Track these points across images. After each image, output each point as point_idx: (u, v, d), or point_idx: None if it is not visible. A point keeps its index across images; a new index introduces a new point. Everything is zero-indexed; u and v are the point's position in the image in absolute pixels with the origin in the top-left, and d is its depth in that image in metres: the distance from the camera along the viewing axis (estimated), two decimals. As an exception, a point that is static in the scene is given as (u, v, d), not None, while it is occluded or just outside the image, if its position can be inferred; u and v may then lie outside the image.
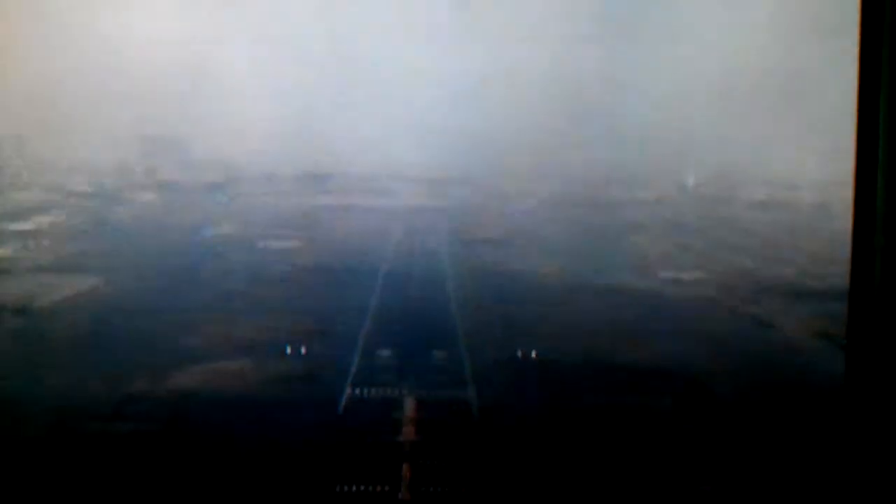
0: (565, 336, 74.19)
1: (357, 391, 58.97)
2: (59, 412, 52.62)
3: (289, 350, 68.12)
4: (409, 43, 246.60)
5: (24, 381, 57.77)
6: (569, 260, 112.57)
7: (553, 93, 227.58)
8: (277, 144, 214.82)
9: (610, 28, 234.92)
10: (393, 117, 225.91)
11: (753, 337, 76.68)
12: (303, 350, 68.17)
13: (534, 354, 68.16)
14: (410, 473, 45.47)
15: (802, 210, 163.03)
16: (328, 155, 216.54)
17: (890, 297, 10.70)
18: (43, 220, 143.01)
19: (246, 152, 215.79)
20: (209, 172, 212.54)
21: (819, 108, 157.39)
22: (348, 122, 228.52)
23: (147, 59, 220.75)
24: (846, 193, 11.92)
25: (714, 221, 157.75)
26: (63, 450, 46.89)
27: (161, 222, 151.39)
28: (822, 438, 46.02)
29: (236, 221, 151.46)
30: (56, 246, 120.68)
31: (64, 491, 41.84)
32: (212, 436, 49.94)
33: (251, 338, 72.07)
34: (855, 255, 10.94)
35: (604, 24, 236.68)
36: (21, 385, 57.16)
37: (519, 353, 68.31)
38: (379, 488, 43.56)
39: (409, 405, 56.13)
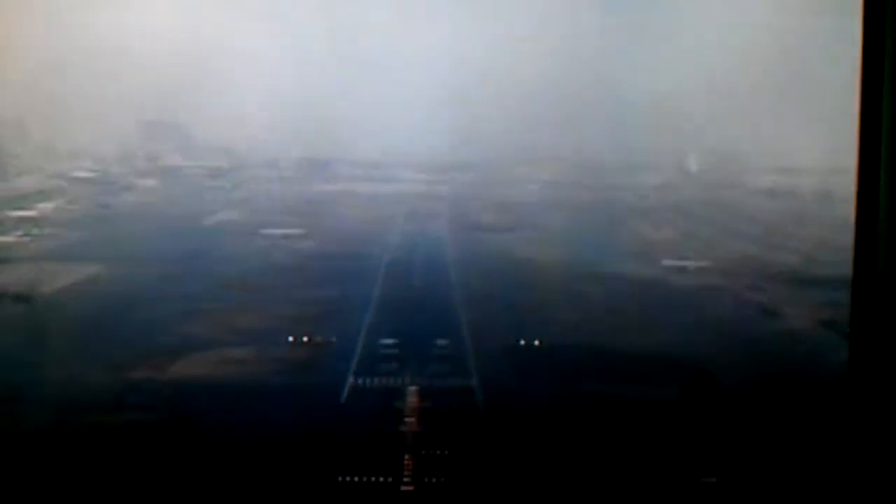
0: (569, 324, 73.88)
1: (360, 380, 58.66)
2: (61, 401, 52.35)
3: (291, 338, 67.83)
4: (411, 28, 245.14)
5: (27, 369, 57.43)
6: (572, 247, 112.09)
7: (556, 77, 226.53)
8: (280, 131, 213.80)
9: (613, 14, 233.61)
10: (395, 103, 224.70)
11: (759, 325, 76.33)
12: (305, 338, 67.87)
13: (538, 343, 67.86)
14: (413, 464, 45.18)
15: (807, 197, 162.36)
16: (331, 141, 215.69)
17: (893, 284, 10.67)
18: (45, 207, 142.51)
19: (248, 138, 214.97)
20: (211, 159, 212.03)
21: (825, 94, 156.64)
22: (351, 108, 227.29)
23: (149, 44, 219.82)
24: (851, 180, 11.69)
25: (718, 208, 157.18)
26: (64, 439, 46.61)
27: (163, 209, 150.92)
28: (827, 426, 45.64)
29: (239, 208, 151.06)
30: (58, 233, 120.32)
31: (66, 481, 41.54)
32: (213, 425, 49.66)
33: (253, 326, 71.82)
34: (858, 243, 11.00)
35: (606, 9, 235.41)
36: (23, 373, 56.83)
37: (523, 342, 68.00)
38: (381, 479, 43.27)
39: (413, 394, 55.83)
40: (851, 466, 11.22)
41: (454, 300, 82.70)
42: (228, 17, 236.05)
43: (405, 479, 43.41)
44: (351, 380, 58.60)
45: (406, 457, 45.87)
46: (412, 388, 56.77)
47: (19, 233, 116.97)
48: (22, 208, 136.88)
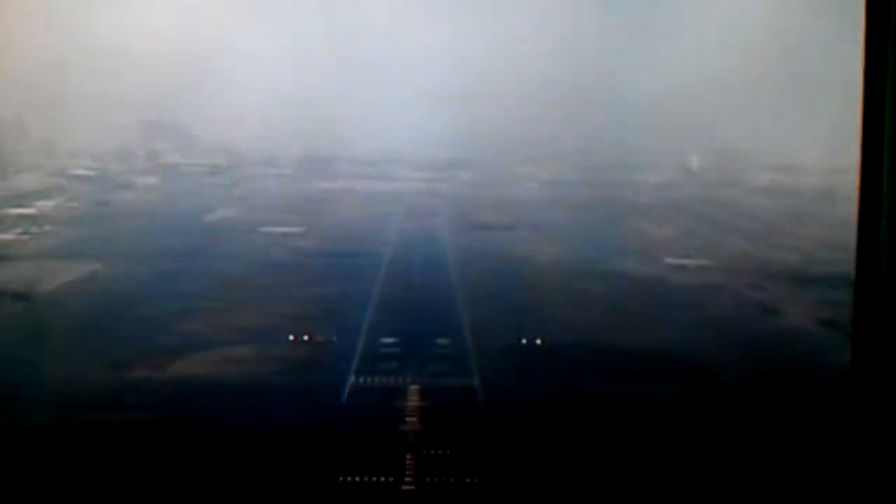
0: (571, 323, 73.83)
1: (361, 379, 58.55)
2: (60, 399, 52.20)
3: (291, 337, 67.72)
4: (411, 28, 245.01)
5: (26, 367, 57.27)
6: (573, 245, 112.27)
7: (556, 76, 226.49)
8: (280, 129, 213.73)
9: (613, 14, 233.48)
10: (395, 102, 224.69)
11: (759, 323, 76.26)
12: (306, 337, 67.76)
13: (539, 341, 67.78)
14: (415, 463, 45.07)
15: (807, 196, 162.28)
16: (331, 140, 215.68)
17: (895, 283, 10.63)
18: (45, 205, 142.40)
19: (248, 137, 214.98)
20: (211, 157, 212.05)
21: (826, 93, 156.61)
22: (351, 107, 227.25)
23: (149, 43, 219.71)
24: (852, 179, 11.65)
25: (719, 207, 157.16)
26: (64, 438, 46.47)
27: (163, 207, 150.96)
28: (829, 425, 45.54)
29: (238, 206, 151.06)
30: (58, 230, 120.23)
31: (65, 480, 41.41)
32: (213, 424, 49.50)
33: (253, 324, 71.73)
34: (860, 242, 10.95)
35: (606, 9, 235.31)
36: (22, 372, 56.69)
37: (524, 341, 67.92)
38: (383, 478, 43.15)
39: (414, 394, 55.70)
40: (853, 465, 11.18)
41: (455, 299, 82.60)
42: (228, 16, 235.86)
43: (406, 479, 43.28)
44: (352, 379, 58.49)
45: (407, 456, 45.75)
46: (413, 388, 56.61)
47: (18, 230, 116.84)
48: (21, 206, 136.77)
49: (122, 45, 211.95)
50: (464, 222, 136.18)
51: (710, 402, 54.49)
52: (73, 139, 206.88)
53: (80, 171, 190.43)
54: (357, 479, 42.86)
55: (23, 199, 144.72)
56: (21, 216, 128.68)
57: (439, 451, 46.42)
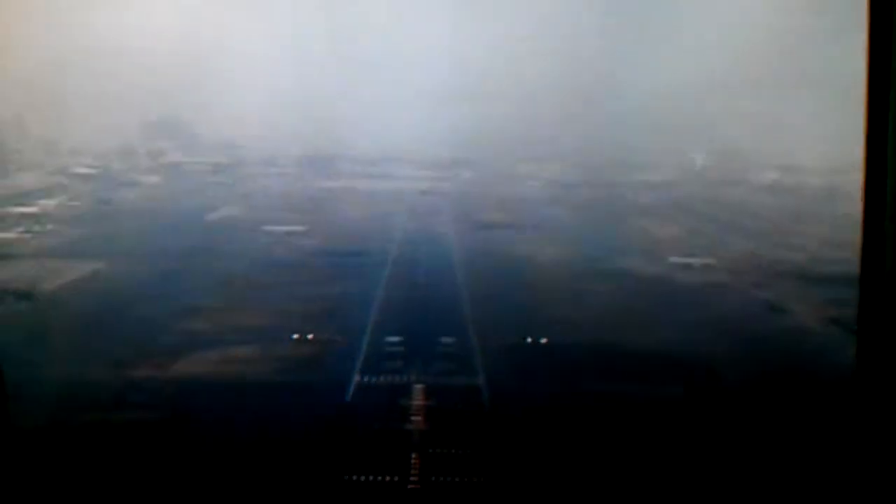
0: (575, 322, 73.66)
1: (365, 378, 58.33)
2: (62, 399, 52.02)
3: (295, 336, 67.54)
4: (412, 28, 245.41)
5: (28, 366, 57.00)
6: (576, 244, 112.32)
7: (558, 74, 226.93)
8: (282, 128, 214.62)
9: (613, 14, 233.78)
10: (397, 101, 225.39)
11: (765, 322, 76.06)
12: (310, 336, 67.56)
13: (544, 340, 67.59)
14: (419, 462, 44.84)
15: (812, 194, 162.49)
16: (333, 139, 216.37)
17: None
18: (47, 204, 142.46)
19: (249, 135, 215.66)
20: (213, 155, 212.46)
21: (830, 91, 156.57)
22: (353, 106, 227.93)
23: (151, 43, 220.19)
24: (857, 178, 11.48)
25: (723, 205, 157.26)
26: (65, 438, 46.26)
27: (166, 205, 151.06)
28: (835, 424, 45.33)
29: (241, 205, 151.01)
30: (60, 229, 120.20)
31: (67, 480, 41.17)
32: (217, 423, 49.32)
33: (256, 323, 71.56)
34: (865, 240, 10.95)
35: (607, 9, 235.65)
36: (24, 371, 56.40)
37: (529, 339, 67.74)
38: (388, 477, 42.92)
39: (419, 392, 55.46)
40: (859, 463, 11.07)
41: (459, 298, 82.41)
42: (230, 15, 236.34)
43: (412, 478, 43.04)
44: (356, 378, 58.25)
45: (412, 455, 45.52)
46: (418, 387, 56.38)
47: (21, 229, 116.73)
48: (23, 204, 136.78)
49: (124, 45, 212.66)
50: (467, 221, 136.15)
51: (716, 400, 54.37)
52: (74, 138, 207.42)
53: (83, 170, 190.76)
54: (362, 478, 42.63)
55: (25, 197, 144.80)
56: (23, 215, 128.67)
57: (444, 450, 46.19)
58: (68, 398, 52.39)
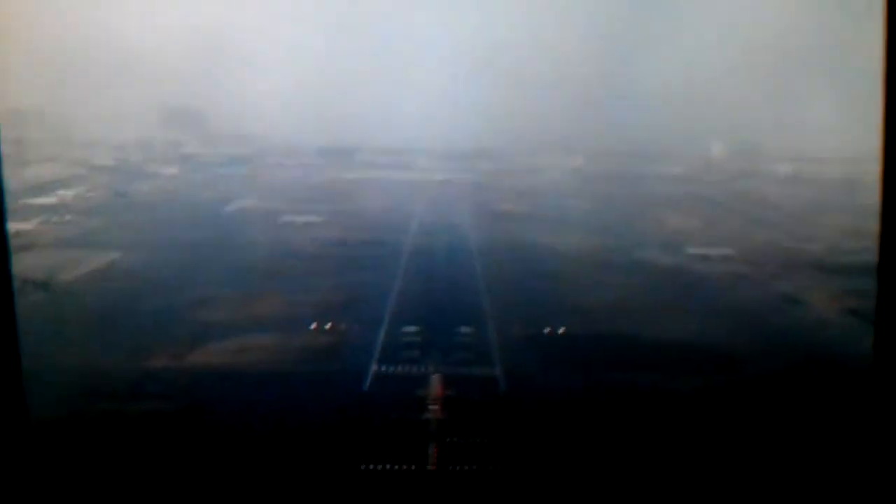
0: (593, 312, 73.53)
1: (383, 368, 58.37)
2: (80, 388, 52.24)
3: (314, 326, 67.60)
4: (436, 18, 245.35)
5: (46, 356, 57.20)
6: (595, 235, 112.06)
7: (578, 65, 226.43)
8: (300, 118, 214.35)
9: (637, 3, 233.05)
10: (416, 90, 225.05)
11: (783, 313, 75.75)
12: (328, 326, 67.63)
13: (561, 331, 67.49)
14: (437, 451, 44.86)
15: (830, 185, 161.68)
16: (350, 129, 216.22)
17: None
18: (66, 194, 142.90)
19: (268, 126, 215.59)
20: (232, 147, 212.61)
21: (849, 83, 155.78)
22: (370, 96, 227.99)
23: (169, 32, 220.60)
24: (875, 168, 11.43)
25: (741, 196, 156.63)
26: (84, 427, 46.47)
27: (184, 196, 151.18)
28: (853, 413, 45.23)
29: (259, 196, 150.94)
30: (79, 220, 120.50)
31: (84, 468, 41.37)
32: (235, 412, 49.47)
33: (274, 313, 71.67)
34: (883, 231, 10.86)
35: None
36: (42, 361, 56.66)
37: (546, 330, 67.63)
38: (405, 466, 42.96)
39: (436, 382, 55.47)
40: (876, 452, 11.06)
41: (477, 288, 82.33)
42: (250, 6, 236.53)
43: (429, 467, 43.08)
44: (374, 367, 58.30)
45: (430, 444, 45.54)
46: (435, 377, 56.39)
47: (39, 220, 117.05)
48: (42, 195, 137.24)
49: (144, 36, 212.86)
50: (485, 211, 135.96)
51: (734, 390, 54.26)
52: (93, 129, 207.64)
53: (101, 161, 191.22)
54: (379, 466, 42.69)
55: (44, 188, 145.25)
56: (43, 206, 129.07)
57: (461, 440, 46.20)
58: (86, 387, 52.61)
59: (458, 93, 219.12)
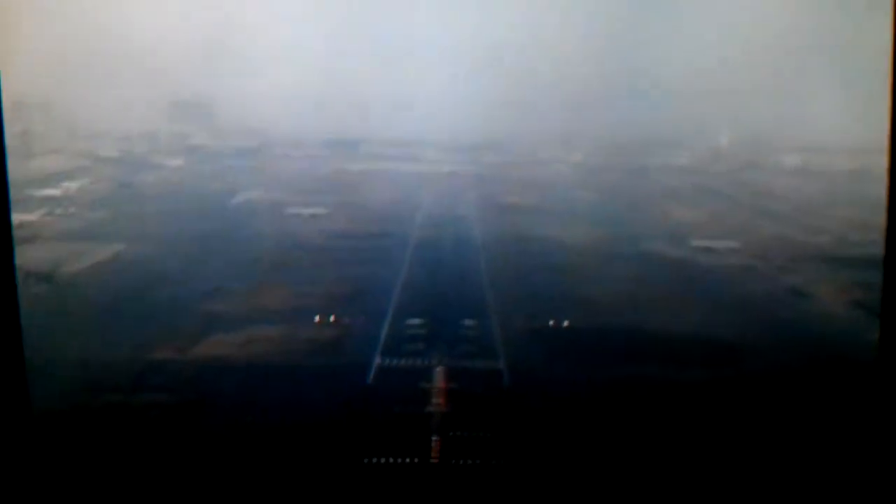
0: (598, 305, 73.35)
1: (386, 361, 58.21)
2: (84, 381, 52.13)
3: (317, 318, 67.46)
4: (442, 10, 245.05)
5: (49, 349, 57.09)
6: (600, 226, 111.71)
7: (582, 56, 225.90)
8: (306, 110, 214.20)
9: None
10: (422, 83, 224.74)
11: (789, 306, 75.49)
12: (332, 318, 67.48)
13: (566, 324, 67.29)
14: (440, 444, 44.69)
15: (837, 177, 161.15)
16: (356, 121, 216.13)
17: None
18: (70, 186, 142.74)
19: (274, 118, 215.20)
20: (238, 138, 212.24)
21: (857, 73, 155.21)
22: (376, 88, 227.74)
23: (175, 23, 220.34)
24: (883, 160, 11.16)
25: (747, 188, 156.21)
26: (86, 420, 46.36)
27: (189, 188, 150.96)
28: (858, 407, 44.98)
29: (265, 187, 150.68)
30: (83, 212, 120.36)
31: (87, 462, 41.25)
32: (238, 405, 49.33)
33: (278, 306, 71.54)
34: (890, 223, 10.80)
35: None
36: (45, 354, 56.54)
37: (551, 323, 67.45)
38: (408, 460, 42.79)
39: (440, 375, 55.29)
40: (882, 446, 10.84)
41: (482, 281, 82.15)
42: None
43: (432, 461, 42.90)
44: (377, 360, 58.15)
45: (433, 438, 45.38)
46: (439, 370, 56.22)
47: (43, 211, 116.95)
48: (46, 187, 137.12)
49: (151, 28, 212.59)
50: (490, 204, 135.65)
51: (739, 384, 54.04)
52: (98, 120, 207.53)
53: (106, 153, 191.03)
54: (382, 460, 42.52)
55: (49, 180, 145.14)
56: (47, 197, 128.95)
57: (465, 433, 46.03)
58: (89, 380, 52.50)
59: (465, 85, 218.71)
